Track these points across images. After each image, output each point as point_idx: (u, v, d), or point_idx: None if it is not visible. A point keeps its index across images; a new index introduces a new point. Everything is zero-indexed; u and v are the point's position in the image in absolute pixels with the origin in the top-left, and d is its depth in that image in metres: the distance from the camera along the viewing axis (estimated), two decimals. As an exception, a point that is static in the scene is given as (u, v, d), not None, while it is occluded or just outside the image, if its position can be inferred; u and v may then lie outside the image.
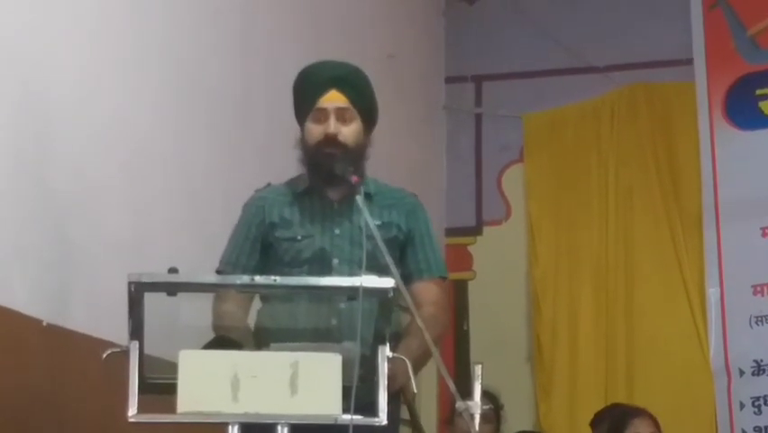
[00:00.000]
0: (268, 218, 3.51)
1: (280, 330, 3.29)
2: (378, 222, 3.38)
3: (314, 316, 3.30)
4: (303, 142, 3.52)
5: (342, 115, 3.46)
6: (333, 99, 3.47)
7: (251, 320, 3.48)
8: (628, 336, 7.31)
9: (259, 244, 3.52)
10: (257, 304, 3.51)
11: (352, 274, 3.26)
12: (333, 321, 3.30)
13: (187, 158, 4.61)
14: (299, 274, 3.35)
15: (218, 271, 3.52)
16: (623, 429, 5.76)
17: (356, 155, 3.47)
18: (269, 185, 3.63)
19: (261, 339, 3.28)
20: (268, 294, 3.37)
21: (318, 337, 3.23)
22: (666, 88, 7.61)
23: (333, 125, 3.44)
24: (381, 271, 3.08)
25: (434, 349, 3.07)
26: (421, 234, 3.56)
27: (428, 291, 3.48)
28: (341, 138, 3.44)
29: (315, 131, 3.47)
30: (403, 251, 3.53)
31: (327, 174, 3.44)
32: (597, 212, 7.58)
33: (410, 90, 7.38)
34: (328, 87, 3.47)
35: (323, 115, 3.46)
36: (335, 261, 3.43)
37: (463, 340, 7.76)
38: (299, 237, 3.46)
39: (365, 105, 3.53)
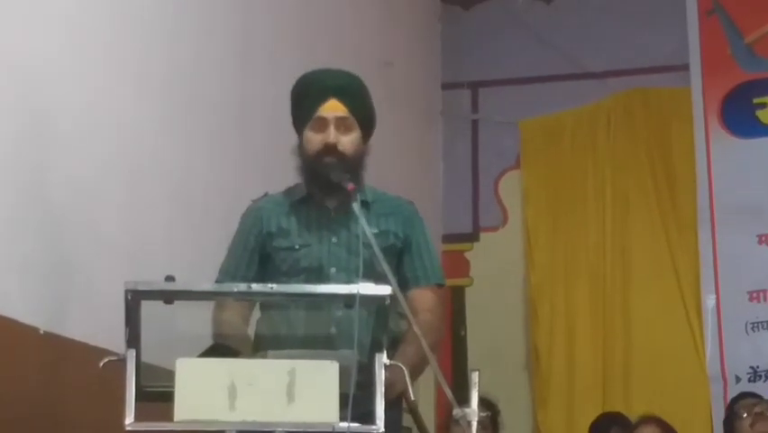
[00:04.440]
0: (265, 228, 3.51)
1: (276, 338, 3.29)
2: (375, 230, 3.39)
3: (311, 324, 3.30)
4: (301, 151, 3.52)
5: (341, 125, 3.46)
6: (333, 108, 3.46)
7: (252, 330, 3.48)
8: (625, 343, 7.32)
9: (257, 255, 3.51)
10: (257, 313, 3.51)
11: (348, 283, 3.25)
12: (333, 330, 3.30)
13: (185, 168, 4.61)
14: (297, 283, 3.34)
15: (217, 282, 3.50)
16: None
17: (354, 164, 3.47)
18: (266, 195, 3.63)
19: (260, 347, 3.28)
20: (266, 303, 3.37)
21: (315, 345, 3.23)
22: (662, 94, 7.62)
23: (332, 135, 3.44)
24: (378, 279, 3.08)
25: (431, 356, 3.07)
26: (418, 242, 3.55)
27: (424, 298, 3.48)
28: (340, 147, 3.44)
29: (314, 140, 3.47)
30: (400, 259, 3.53)
31: (325, 183, 3.44)
32: (593, 218, 7.59)
33: (406, 97, 7.38)
34: (328, 96, 3.47)
35: (322, 124, 3.46)
36: (333, 269, 3.43)
37: (460, 347, 7.76)
38: (297, 246, 3.46)
39: (364, 114, 3.53)
